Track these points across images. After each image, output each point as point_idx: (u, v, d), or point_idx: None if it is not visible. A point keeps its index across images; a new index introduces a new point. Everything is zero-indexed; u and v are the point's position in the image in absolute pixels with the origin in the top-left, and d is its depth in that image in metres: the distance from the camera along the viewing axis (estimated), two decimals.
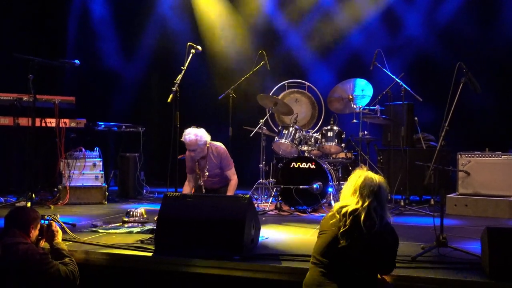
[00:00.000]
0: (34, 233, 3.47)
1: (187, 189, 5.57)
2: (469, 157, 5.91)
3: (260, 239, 4.04)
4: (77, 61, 5.40)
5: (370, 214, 2.71)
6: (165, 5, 9.39)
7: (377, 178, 2.85)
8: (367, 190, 2.76)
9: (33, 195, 5.58)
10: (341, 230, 2.69)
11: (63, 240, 3.78)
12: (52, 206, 6.02)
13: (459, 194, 5.91)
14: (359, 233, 2.68)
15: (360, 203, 2.74)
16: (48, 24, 8.48)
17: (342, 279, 2.69)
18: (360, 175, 2.85)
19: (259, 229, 3.99)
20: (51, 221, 3.68)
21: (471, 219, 5.45)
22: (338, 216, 2.75)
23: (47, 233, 3.57)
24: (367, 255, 2.71)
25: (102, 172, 6.63)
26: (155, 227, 4.39)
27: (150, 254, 3.66)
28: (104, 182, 6.64)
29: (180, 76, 4.44)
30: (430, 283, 3.09)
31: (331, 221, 2.77)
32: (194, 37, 8.77)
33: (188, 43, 4.65)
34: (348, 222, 2.69)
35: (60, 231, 3.67)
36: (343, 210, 2.74)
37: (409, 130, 6.91)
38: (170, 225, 3.72)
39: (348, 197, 2.82)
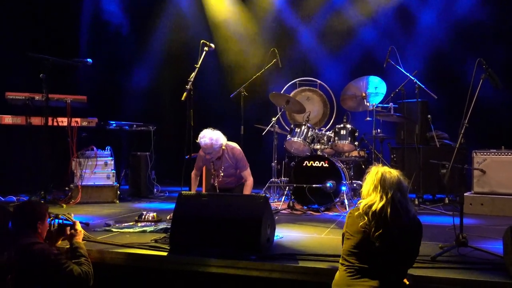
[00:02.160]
0: (43, 228, 3.41)
1: (193, 181, 5.53)
2: (485, 155, 5.83)
3: (274, 238, 4.00)
4: (89, 60, 5.39)
5: (395, 206, 2.71)
6: (177, 4, 9.36)
7: (393, 171, 2.88)
8: (388, 183, 2.76)
9: (46, 194, 5.58)
10: (376, 233, 2.68)
11: None
12: (64, 205, 6.03)
13: (474, 193, 5.82)
14: (392, 233, 2.68)
15: (384, 197, 2.73)
16: (60, 23, 8.47)
17: (373, 279, 2.67)
18: (377, 171, 2.86)
19: (274, 229, 3.94)
20: (76, 221, 3.69)
21: (488, 218, 5.37)
22: (366, 217, 2.73)
23: (71, 231, 3.57)
24: (400, 253, 2.72)
25: (113, 171, 6.62)
26: (168, 226, 4.38)
27: (165, 253, 3.63)
28: (115, 181, 6.64)
29: (193, 74, 4.40)
30: (452, 284, 3.03)
31: (360, 223, 2.74)
32: (206, 35, 8.72)
33: (202, 41, 4.61)
34: (380, 223, 2.69)
35: (82, 231, 3.68)
36: (372, 210, 2.73)
37: (423, 128, 6.83)
38: (185, 224, 3.69)
39: (370, 194, 2.81)
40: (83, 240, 3.93)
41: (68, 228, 3.60)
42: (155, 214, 4.98)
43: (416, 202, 6.19)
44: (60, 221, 3.75)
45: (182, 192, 3.90)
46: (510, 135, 6.97)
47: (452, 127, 7.12)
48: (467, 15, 7.89)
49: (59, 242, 3.67)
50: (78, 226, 3.65)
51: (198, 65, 4.48)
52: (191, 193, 3.89)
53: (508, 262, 3.04)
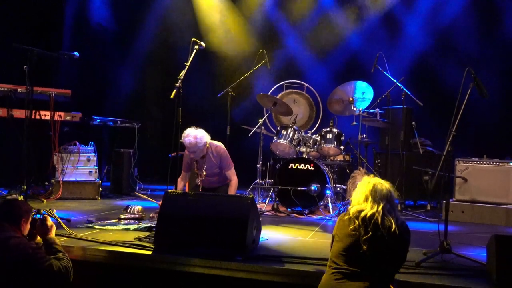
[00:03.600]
0: (26, 226, 3.37)
1: (180, 185, 5.47)
2: (467, 163, 5.91)
3: (259, 240, 3.99)
4: (76, 53, 5.29)
5: (385, 216, 2.77)
6: (166, 1, 9.29)
7: (384, 183, 2.93)
8: (379, 195, 2.83)
9: (26, 189, 5.46)
10: (364, 237, 2.72)
11: (59, 235, 3.71)
12: (44, 200, 5.92)
13: (455, 200, 5.90)
14: (381, 238, 2.73)
15: (375, 207, 2.79)
16: (44, 16, 8.32)
17: (359, 283, 2.69)
18: (368, 181, 2.92)
19: (260, 230, 3.94)
20: (46, 216, 3.59)
21: (468, 225, 5.45)
22: (357, 221, 2.77)
23: (41, 227, 3.48)
24: (387, 258, 2.75)
25: (96, 167, 6.53)
26: (152, 225, 4.34)
27: (149, 252, 3.59)
28: (98, 178, 6.54)
29: (183, 72, 4.34)
30: None
31: (350, 226, 2.78)
32: (194, 34, 8.65)
33: (192, 39, 4.56)
34: (370, 228, 2.74)
35: (54, 226, 3.58)
36: (362, 215, 2.78)
37: (407, 135, 6.91)
38: (171, 223, 3.65)
39: (361, 203, 2.86)
40: (65, 236, 3.88)
41: (38, 224, 3.48)
42: (140, 207, 4.95)
43: (399, 208, 6.24)
44: (41, 216, 3.66)
45: (169, 190, 3.86)
46: (492, 144, 7.11)
47: (435, 134, 7.25)
48: (453, 24, 8.03)
49: (38, 238, 3.58)
50: (49, 221, 3.53)
51: (188, 63, 4.43)
52: (178, 191, 3.85)
53: (491, 270, 3.08)
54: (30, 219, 3.43)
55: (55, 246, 3.39)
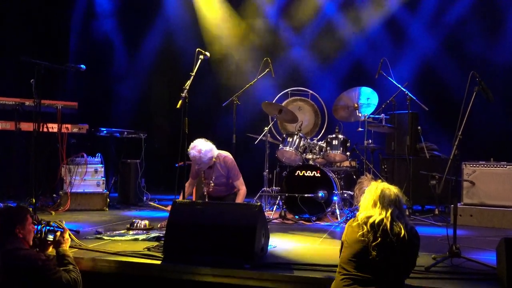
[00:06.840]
0: (26, 233, 3.29)
1: (187, 190, 5.47)
2: (474, 166, 5.89)
3: (268, 247, 3.99)
4: (83, 66, 5.35)
5: (394, 221, 2.76)
6: (170, 12, 9.37)
7: (392, 188, 2.92)
8: (387, 200, 2.82)
9: (35, 201, 5.50)
10: (374, 243, 2.72)
11: (69, 247, 3.72)
12: (53, 212, 5.95)
13: (464, 204, 5.88)
14: (390, 243, 2.72)
15: (384, 213, 2.78)
16: (50, 29, 8.42)
17: None
18: (376, 187, 2.91)
19: (268, 238, 3.94)
20: (66, 229, 3.62)
21: (477, 229, 5.42)
22: (365, 227, 2.76)
23: (55, 239, 3.51)
24: (397, 263, 2.75)
25: (103, 178, 6.56)
26: (160, 235, 4.36)
27: (158, 262, 3.60)
28: (105, 189, 6.57)
29: (189, 82, 4.38)
30: None
31: (359, 232, 2.78)
32: (198, 44, 8.75)
33: (197, 49, 4.60)
34: (378, 234, 2.73)
35: (69, 240, 3.62)
36: (370, 221, 2.77)
37: (413, 139, 6.90)
38: (179, 232, 3.66)
39: (369, 209, 2.85)
40: (74, 247, 3.90)
41: (58, 233, 3.53)
42: (147, 222, 4.94)
43: (407, 213, 6.22)
44: (51, 228, 3.69)
45: (176, 199, 3.87)
46: (498, 147, 7.08)
47: (441, 138, 7.23)
48: (457, 27, 8.04)
49: (50, 249, 3.61)
50: (67, 234, 3.58)
51: (193, 73, 4.47)
52: (185, 201, 3.87)
53: (502, 273, 3.07)
54: (30, 226, 3.37)
55: (67, 259, 3.41)
